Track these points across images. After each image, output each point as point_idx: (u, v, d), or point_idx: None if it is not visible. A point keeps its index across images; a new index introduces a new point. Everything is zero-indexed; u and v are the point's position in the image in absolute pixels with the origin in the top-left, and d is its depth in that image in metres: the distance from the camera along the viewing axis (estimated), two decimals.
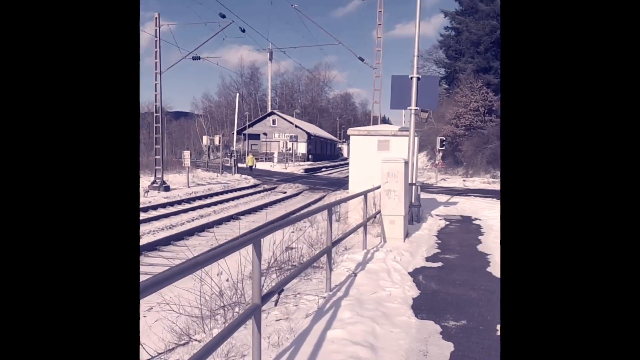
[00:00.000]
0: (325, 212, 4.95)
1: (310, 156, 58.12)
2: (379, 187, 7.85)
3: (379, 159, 7.98)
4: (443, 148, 25.76)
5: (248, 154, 36.58)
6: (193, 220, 13.82)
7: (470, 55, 34.51)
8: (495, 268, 6.24)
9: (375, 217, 8.16)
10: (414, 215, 9.83)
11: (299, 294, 4.57)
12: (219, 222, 13.21)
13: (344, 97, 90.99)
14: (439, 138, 24.96)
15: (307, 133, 58.31)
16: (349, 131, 10.83)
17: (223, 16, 19.50)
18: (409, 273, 5.76)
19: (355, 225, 6.90)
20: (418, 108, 9.63)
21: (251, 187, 24.48)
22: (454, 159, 35.77)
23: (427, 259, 6.69)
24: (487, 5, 31.21)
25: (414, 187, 9.95)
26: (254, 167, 37.85)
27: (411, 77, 9.53)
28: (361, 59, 20.34)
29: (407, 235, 8.23)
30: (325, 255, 4.70)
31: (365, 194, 6.96)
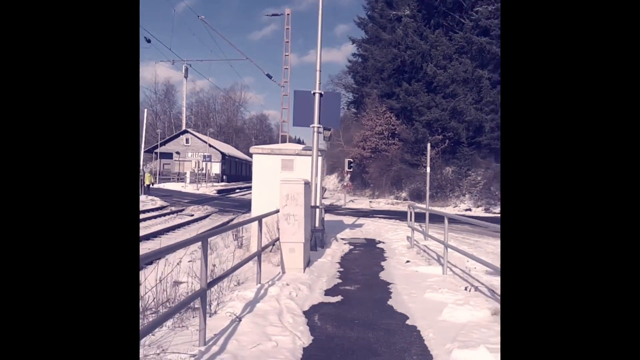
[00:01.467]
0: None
1: (224, 177, 56.00)
2: (277, 212, 7.14)
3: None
4: (351, 170, 26.01)
5: (144, 173, 33.94)
6: None
7: (376, 81, 35.79)
8: (396, 300, 5.80)
9: (273, 244, 7.41)
10: (318, 241, 9.26)
11: (163, 350, 3.63)
12: None
13: (260, 118, 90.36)
14: (347, 160, 25.15)
15: (222, 153, 56.24)
16: (252, 149, 10.05)
17: None
18: (304, 312, 5.06)
19: (245, 256, 6.09)
20: (321, 126, 9.18)
21: (157, 209, 22.43)
22: (361, 180, 36.56)
23: (327, 292, 6.07)
24: (389, 35, 32.71)
25: (317, 210, 9.40)
26: (151, 185, 35.18)
27: (313, 93, 9.08)
28: (269, 76, 19.87)
29: (308, 263, 7.59)
30: (199, 299, 3.83)
31: (259, 218, 6.20)
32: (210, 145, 52.08)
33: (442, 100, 23.45)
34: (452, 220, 7.40)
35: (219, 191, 39.94)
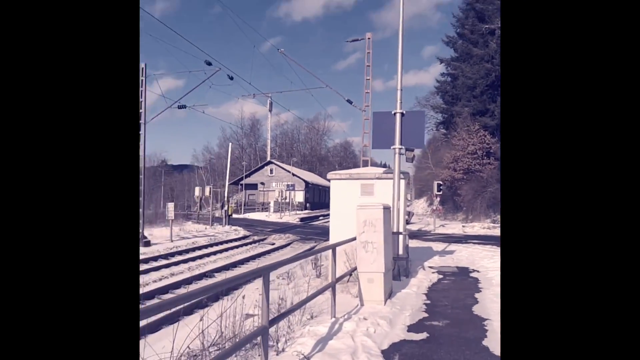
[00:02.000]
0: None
1: (307, 204, 56.94)
2: (354, 239, 6.69)
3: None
4: (440, 192, 24.69)
5: (230, 204, 35.51)
6: (161, 279, 12.42)
7: (467, 99, 34.20)
8: (492, 339, 4.97)
9: (351, 274, 6.94)
10: (401, 270, 8.58)
11: None
12: (187, 282, 11.83)
13: (344, 145, 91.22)
14: (436, 183, 23.95)
15: (305, 181, 57.43)
16: (329, 175, 9.77)
17: (209, 64, 19.01)
18: (382, 352, 4.49)
19: (322, 286, 5.68)
20: (403, 147, 8.62)
21: (240, 239, 23.21)
22: (453, 203, 34.62)
23: (410, 329, 5.41)
24: (481, 50, 31.16)
25: (400, 236, 8.76)
26: (232, 215, 36.47)
27: (394, 113, 8.59)
28: (349, 102, 19.73)
29: (390, 295, 6.97)
30: (261, 338, 3.49)
31: (333, 247, 5.79)
32: (293, 174, 53.31)
33: None
34: None
35: (301, 219, 40.45)
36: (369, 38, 18.96)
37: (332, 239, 9.15)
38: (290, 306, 4.49)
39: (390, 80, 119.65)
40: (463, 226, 26.08)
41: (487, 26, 29.51)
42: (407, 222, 30.26)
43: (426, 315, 6.13)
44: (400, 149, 8.60)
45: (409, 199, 61.30)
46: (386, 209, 6.89)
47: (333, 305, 5.61)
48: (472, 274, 9.72)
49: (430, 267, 10.53)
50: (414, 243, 16.68)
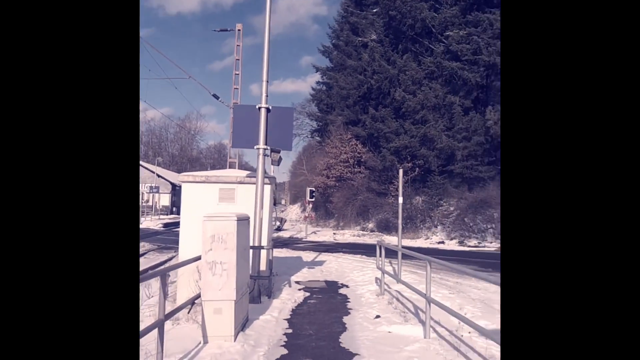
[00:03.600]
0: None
1: (174, 208, 52.76)
2: (199, 258, 5.24)
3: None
4: (313, 199, 24.27)
5: None
6: None
7: (341, 109, 34.75)
8: None
9: (193, 303, 5.46)
10: (263, 289, 7.33)
11: None
12: None
13: (218, 148, 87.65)
14: (308, 189, 23.44)
15: (172, 183, 53.08)
16: (180, 177, 8.14)
17: None
18: None
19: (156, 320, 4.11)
20: (268, 147, 7.40)
21: None
22: (325, 210, 34.80)
23: None
24: (354, 61, 31.90)
25: (263, 251, 7.51)
26: None
27: (259, 107, 7.34)
28: (216, 97, 18.04)
29: (244, 325, 5.65)
30: None
31: (162, 273, 4.27)
32: (158, 176, 49.14)
33: (412, 126, 22.31)
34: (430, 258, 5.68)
35: (165, 224, 36.98)
36: (239, 30, 17.52)
37: (182, 256, 7.51)
38: None
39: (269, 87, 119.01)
40: (334, 233, 26.02)
41: (360, 39, 30.28)
42: (279, 229, 29.43)
43: (285, 351, 4.94)
44: (265, 149, 7.38)
45: (284, 204, 60.87)
46: (243, 220, 5.58)
47: (160, 348, 4.09)
48: (341, 290, 8.89)
49: (298, 282, 9.49)
50: (283, 252, 15.67)
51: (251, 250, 6.79)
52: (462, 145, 21.03)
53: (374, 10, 28.90)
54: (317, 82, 42.90)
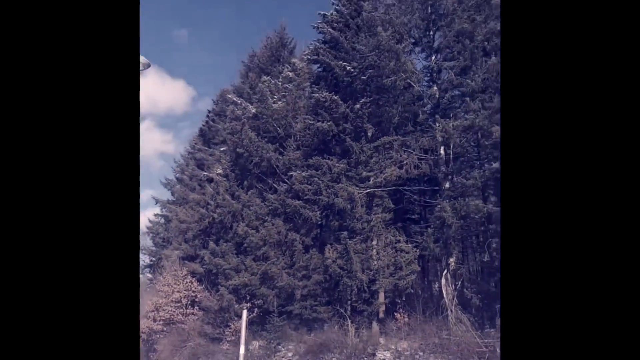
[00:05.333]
0: None
1: None
2: None
3: None
4: None
5: None
6: None
7: (178, 243, 32.53)
8: None
9: None
10: None
11: None
12: None
13: None
14: None
15: None
16: None
17: None
18: None
19: None
20: None
21: None
22: None
23: None
24: (197, 195, 31.26)
25: None
26: None
27: None
28: None
29: None
30: None
31: None
32: None
33: (253, 263, 21.43)
34: None
35: None
36: None
37: None
38: None
39: None
40: None
41: (206, 173, 30.27)
42: None
43: None
44: None
45: None
46: None
47: None
48: None
49: None
50: None
51: None
52: (301, 284, 20.66)
53: (222, 149, 29.64)
54: (155, 215, 40.65)
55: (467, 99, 17.29)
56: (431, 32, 19.71)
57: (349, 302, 20.37)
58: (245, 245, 22.74)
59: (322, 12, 21.80)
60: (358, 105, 19.50)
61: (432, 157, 18.58)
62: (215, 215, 25.78)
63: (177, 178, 39.44)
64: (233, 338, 23.15)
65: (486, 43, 17.21)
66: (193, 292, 27.81)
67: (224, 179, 26.46)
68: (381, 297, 19.02)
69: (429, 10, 19.34)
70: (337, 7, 21.63)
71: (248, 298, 22.60)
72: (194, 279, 28.30)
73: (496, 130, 15.32)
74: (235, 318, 22.79)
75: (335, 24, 21.28)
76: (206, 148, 34.13)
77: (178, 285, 27.99)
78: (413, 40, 19.82)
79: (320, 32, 21.62)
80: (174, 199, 38.40)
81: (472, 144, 20.54)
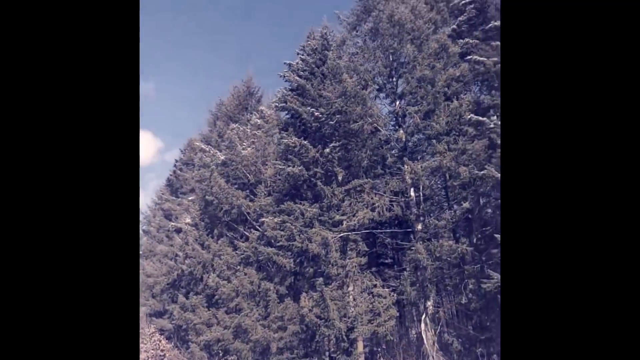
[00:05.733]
0: None
1: None
2: None
3: None
4: None
5: None
6: None
7: (145, 299, 31.02)
8: None
9: None
10: None
11: None
12: None
13: None
14: None
15: None
16: None
17: None
18: None
19: None
20: None
21: None
22: None
23: None
24: (166, 247, 30.20)
25: None
26: None
27: None
28: None
29: None
30: None
31: None
32: None
33: (225, 315, 20.53)
34: None
35: None
36: None
37: None
38: None
39: None
40: None
41: (173, 224, 29.46)
42: None
43: None
44: None
45: None
46: None
47: None
48: None
49: None
50: None
51: None
52: (277, 336, 19.85)
53: (190, 198, 29.04)
54: None
55: (434, 141, 17.73)
56: (394, 79, 20.40)
57: (327, 353, 19.66)
58: (216, 297, 21.86)
59: (288, 62, 22.31)
60: (327, 150, 19.67)
61: (402, 199, 18.73)
62: (185, 267, 24.85)
63: (143, 230, 38.15)
64: None
65: (447, 88, 17.90)
66: (161, 350, 26.26)
67: (193, 228, 25.74)
68: (360, 346, 18.45)
69: (391, 58, 20.11)
70: (302, 57, 22.20)
71: (221, 354, 21.47)
72: (162, 336, 26.84)
73: (464, 170, 15.67)
74: None
75: (302, 72, 21.78)
76: (174, 198, 33.37)
77: (145, 344, 26.40)
78: (377, 87, 20.41)
79: (286, 81, 22.03)
80: (141, 252, 36.98)
81: (440, 185, 20.92)
